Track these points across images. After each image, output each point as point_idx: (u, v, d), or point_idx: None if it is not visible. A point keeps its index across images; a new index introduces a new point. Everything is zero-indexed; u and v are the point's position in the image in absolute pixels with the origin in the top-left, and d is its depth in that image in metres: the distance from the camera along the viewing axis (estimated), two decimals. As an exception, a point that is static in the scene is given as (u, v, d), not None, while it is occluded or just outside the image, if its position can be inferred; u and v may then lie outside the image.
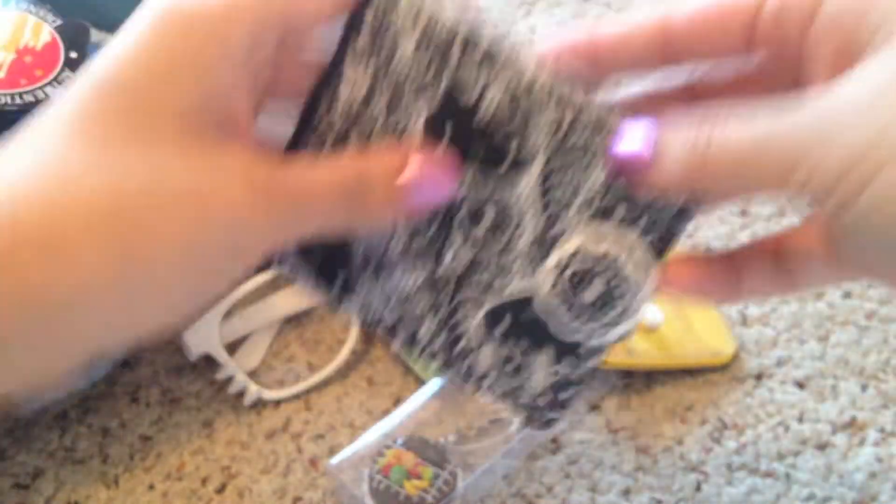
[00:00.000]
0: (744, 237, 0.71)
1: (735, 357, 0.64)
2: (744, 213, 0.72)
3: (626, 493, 0.58)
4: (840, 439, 0.61)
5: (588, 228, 0.37)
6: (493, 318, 0.38)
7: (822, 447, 0.60)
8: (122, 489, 0.57)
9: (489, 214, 0.37)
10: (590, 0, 0.88)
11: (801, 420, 0.61)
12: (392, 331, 0.39)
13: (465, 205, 0.37)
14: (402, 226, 0.37)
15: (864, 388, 0.63)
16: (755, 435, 0.61)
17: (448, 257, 0.38)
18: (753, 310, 0.67)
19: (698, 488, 0.58)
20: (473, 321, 0.38)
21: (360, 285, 0.38)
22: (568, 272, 0.37)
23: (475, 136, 0.36)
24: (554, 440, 0.60)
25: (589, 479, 0.59)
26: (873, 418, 0.62)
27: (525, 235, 0.37)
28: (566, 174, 0.36)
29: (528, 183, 0.36)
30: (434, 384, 0.60)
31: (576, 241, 0.37)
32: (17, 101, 0.49)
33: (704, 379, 0.63)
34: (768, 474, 0.59)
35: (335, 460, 0.56)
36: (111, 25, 0.62)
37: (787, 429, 0.61)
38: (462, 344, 0.39)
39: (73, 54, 0.52)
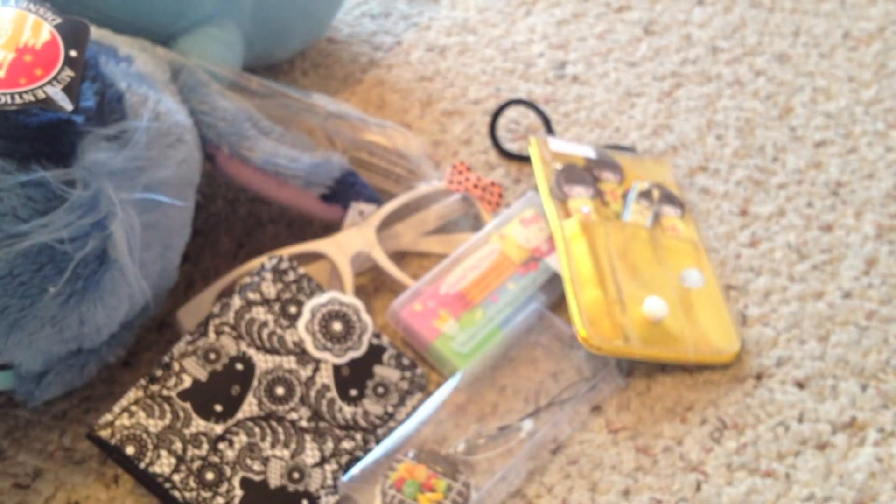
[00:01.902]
0: (743, 237, 0.71)
1: (739, 356, 0.64)
2: (743, 212, 0.72)
3: (626, 493, 0.58)
4: (840, 439, 0.61)
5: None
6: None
7: (822, 447, 0.60)
8: (122, 489, 0.57)
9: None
10: (590, 0, 0.88)
11: (801, 420, 0.61)
12: None
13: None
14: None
15: (864, 388, 0.63)
16: (755, 435, 0.61)
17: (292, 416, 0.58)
18: (753, 310, 0.67)
19: (698, 488, 0.58)
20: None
21: None
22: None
23: None
24: (554, 440, 0.60)
25: (589, 479, 0.58)
26: (873, 418, 0.61)
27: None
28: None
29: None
30: (438, 395, 0.60)
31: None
32: (17, 100, 0.49)
33: (704, 379, 0.63)
34: (768, 474, 0.59)
35: (346, 477, 0.56)
36: (111, 23, 0.62)
37: (787, 429, 0.61)
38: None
39: (73, 53, 0.52)
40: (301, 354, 0.59)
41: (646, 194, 0.70)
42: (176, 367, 0.56)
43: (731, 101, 0.80)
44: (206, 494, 0.54)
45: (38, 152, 0.49)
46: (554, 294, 0.65)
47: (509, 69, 0.81)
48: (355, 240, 0.64)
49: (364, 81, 0.80)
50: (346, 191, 0.64)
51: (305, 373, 0.58)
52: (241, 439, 0.56)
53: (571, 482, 0.58)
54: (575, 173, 0.70)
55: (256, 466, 0.55)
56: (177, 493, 0.54)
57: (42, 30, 0.53)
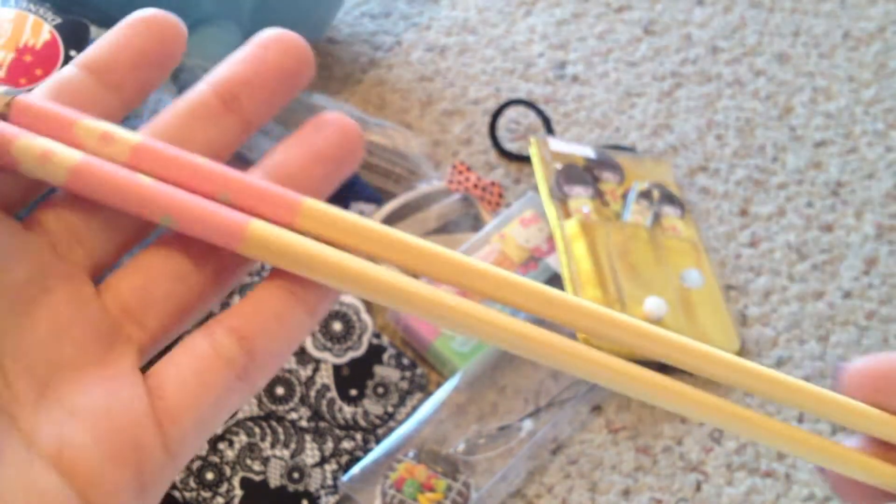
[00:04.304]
0: (743, 237, 0.71)
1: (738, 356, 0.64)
2: (743, 212, 0.72)
3: (626, 493, 0.58)
4: (840, 439, 0.61)
5: None
6: None
7: (822, 447, 0.60)
8: (122, 489, 0.57)
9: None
10: (590, 0, 0.88)
11: (800, 420, 0.61)
12: None
13: None
14: None
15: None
16: (755, 435, 0.61)
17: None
18: (753, 310, 0.67)
19: (698, 488, 0.58)
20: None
21: None
22: None
23: None
24: (554, 440, 0.60)
25: (589, 479, 0.58)
26: (873, 418, 0.62)
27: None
28: None
29: None
30: (438, 395, 0.60)
31: None
32: (17, 99, 0.49)
33: (704, 378, 0.63)
34: (768, 474, 0.59)
35: (346, 477, 0.56)
36: (111, 23, 0.62)
37: (787, 429, 0.61)
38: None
39: (73, 53, 0.52)
40: (301, 354, 0.59)
41: (646, 194, 0.70)
42: None
43: (731, 101, 0.80)
44: (206, 494, 0.54)
45: (38, 152, 0.49)
46: (554, 294, 0.65)
47: (509, 69, 0.81)
48: (355, 240, 0.64)
49: (364, 81, 0.80)
50: (346, 191, 0.64)
51: (305, 372, 0.58)
52: (241, 439, 0.56)
53: (571, 482, 0.58)
54: (575, 173, 0.70)
55: (256, 466, 0.55)
56: (176, 493, 0.54)
57: (42, 30, 0.53)
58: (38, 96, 0.27)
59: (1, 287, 0.24)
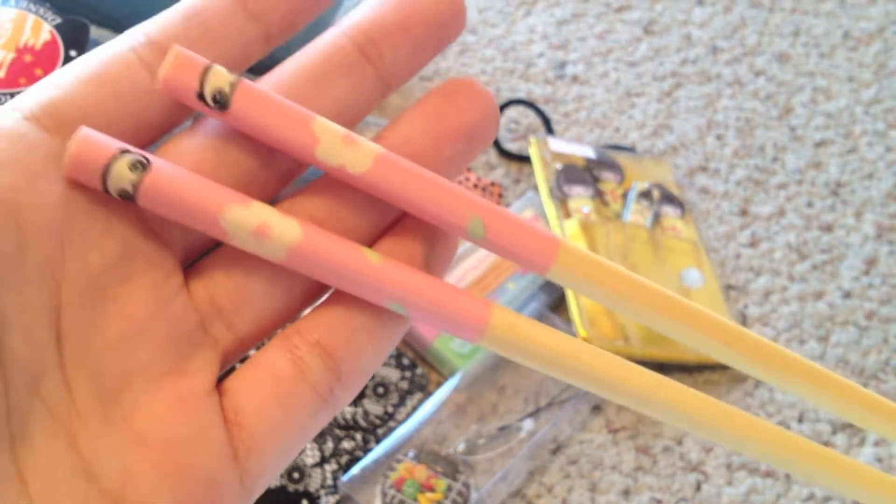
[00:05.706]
0: (743, 237, 0.71)
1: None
2: (743, 212, 0.72)
3: (626, 493, 0.58)
4: (840, 439, 0.61)
5: None
6: None
7: (822, 447, 0.60)
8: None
9: None
10: (590, 0, 0.88)
11: (801, 420, 0.61)
12: None
13: None
14: None
15: (864, 387, 0.63)
16: (755, 435, 0.61)
17: None
18: (753, 310, 0.67)
19: (698, 488, 0.58)
20: None
21: None
22: None
23: None
24: (554, 440, 0.60)
25: (589, 479, 0.58)
26: (873, 418, 0.62)
27: None
28: None
29: None
30: (438, 395, 0.60)
31: None
32: (17, 99, 0.49)
33: (704, 379, 0.63)
34: (768, 474, 0.59)
35: (346, 477, 0.56)
36: (111, 23, 0.62)
37: (787, 429, 0.61)
38: None
39: (73, 53, 0.52)
40: None
41: (646, 194, 0.71)
42: None
43: (731, 101, 0.80)
44: None
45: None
46: (554, 294, 0.65)
47: (509, 69, 0.81)
48: (355, 240, 0.64)
49: (364, 81, 0.80)
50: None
51: None
52: None
53: (571, 482, 0.58)
54: (575, 173, 0.70)
55: None
56: None
57: (42, 30, 0.53)
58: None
59: (70, 275, 0.19)
